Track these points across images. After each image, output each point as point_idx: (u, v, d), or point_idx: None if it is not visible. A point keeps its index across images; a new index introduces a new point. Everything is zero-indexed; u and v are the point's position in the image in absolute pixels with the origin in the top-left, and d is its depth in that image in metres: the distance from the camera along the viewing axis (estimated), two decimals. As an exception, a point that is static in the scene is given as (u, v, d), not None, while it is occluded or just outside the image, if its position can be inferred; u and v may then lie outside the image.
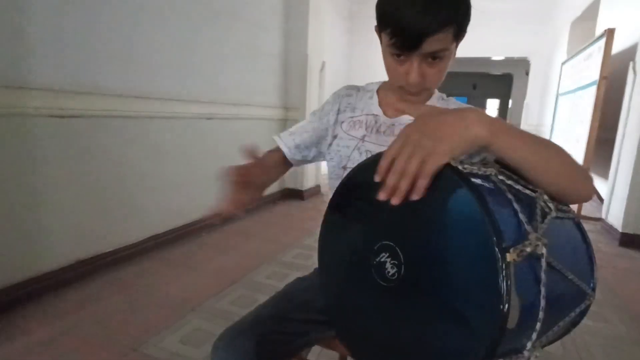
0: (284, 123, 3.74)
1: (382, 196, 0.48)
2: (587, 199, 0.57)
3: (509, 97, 12.31)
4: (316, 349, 0.90)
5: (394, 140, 0.49)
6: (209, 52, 2.66)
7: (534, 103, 8.20)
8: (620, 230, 2.86)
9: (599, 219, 3.39)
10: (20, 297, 1.64)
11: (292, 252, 2.42)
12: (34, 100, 1.62)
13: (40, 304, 1.66)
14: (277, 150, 0.90)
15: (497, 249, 0.40)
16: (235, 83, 3.00)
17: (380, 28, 0.67)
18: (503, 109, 14.50)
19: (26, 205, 1.65)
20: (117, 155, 2.04)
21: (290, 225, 3.00)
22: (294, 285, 0.86)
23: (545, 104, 7.46)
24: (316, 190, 4.13)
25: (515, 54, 8.25)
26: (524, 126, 8.42)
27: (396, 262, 0.51)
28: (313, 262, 2.26)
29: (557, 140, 5.07)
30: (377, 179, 0.49)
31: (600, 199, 3.81)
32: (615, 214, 3.02)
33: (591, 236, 2.42)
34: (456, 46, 0.68)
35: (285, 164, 0.91)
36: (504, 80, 13.38)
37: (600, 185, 4.11)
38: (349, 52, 7.80)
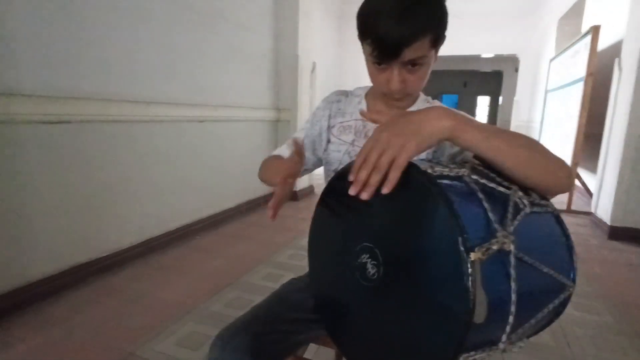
0: (276, 124, 3.75)
1: (351, 191, 0.50)
2: (564, 188, 0.57)
3: (499, 94, 12.43)
4: (312, 347, 0.91)
5: (366, 141, 0.52)
6: (199, 54, 2.66)
7: (523, 100, 8.28)
8: (609, 223, 2.91)
9: (589, 213, 3.44)
10: (12, 306, 1.63)
11: (287, 252, 2.43)
12: (20, 107, 1.61)
13: (33, 311, 1.66)
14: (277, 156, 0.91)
15: (461, 249, 0.42)
16: (227, 85, 3.00)
17: (361, 38, 0.70)
18: (493, 105, 14.62)
19: (15, 213, 1.64)
20: (108, 160, 2.03)
21: (284, 226, 3.01)
22: (289, 285, 0.87)
23: (534, 101, 7.54)
24: (309, 191, 4.14)
25: (505, 51, 8.34)
26: (515, 122, 8.52)
27: (376, 263, 0.53)
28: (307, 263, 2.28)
29: (546, 135, 5.14)
30: (350, 178, 0.51)
31: (590, 193, 3.87)
32: (604, 207, 3.07)
33: (581, 230, 2.46)
34: (436, 52, 0.71)
35: None
36: (494, 77, 13.50)
37: (589, 179, 4.17)
38: (339, 50, 7.81)
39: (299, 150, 0.68)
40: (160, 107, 2.34)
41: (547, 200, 0.59)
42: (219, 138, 2.97)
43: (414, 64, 0.68)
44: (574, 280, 0.56)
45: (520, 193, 0.54)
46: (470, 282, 0.41)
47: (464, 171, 0.51)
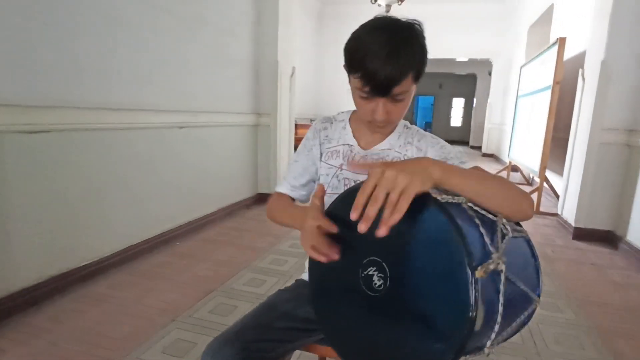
0: (256, 129, 3.78)
1: (361, 228, 0.52)
2: (527, 217, 0.68)
3: (473, 96, 12.79)
4: (295, 352, 0.96)
5: (367, 180, 0.55)
6: (178, 60, 2.67)
7: (496, 103, 8.56)
8: (573, 224, 3.09)
9: (555, 214, 3.64)
10: (-8, 317, 1.61)
11: (268, 258, 2.47)
12: (1, 116, 1.60)
13: (13, 322, 1.64)
14: (284, 196, 0.96)
15: (468, 268, 0.50)
16: (207, 91, 3.02)
17: (349, 71, 0.76)
18: (468, 107, 15.01)
19: (-4, 223, 1.63)
20: (88, 168, 2.02)
21: (265, 231, 3.05)
22: (276, 296, 0.92)
23: (506, 104, 7.80)
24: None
25: (479, 55, 8.61)
26: (488, 125, 8.80)
27: (382, 276, 0.59)
28: (289, 268, 2.33)
29: (517, 139, 5.36)
30: (353, 217, 0.54)
31: (557, 195, 4.08)
32: (569, 209, 3.25)
33: (548, 231, 2.63)
34: (416, 85, 0.78)
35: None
36: (468, 80, 13.87)
37: (556, 181, 4.39)
38: (319, 51, 7.87)
39: (320, 197, 0.69)
40: (140, 113, 2.34)
41: (521, 227, 0.68)
42: (199, 143, 2.98)
43: (398, 97, 0.75)
44: (539, 296, 0.66)
45: (504, 220, 0.62)
46: (474, 297, 0.49)
47: (461, 199, 0.59)
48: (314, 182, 0.96)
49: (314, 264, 0.74)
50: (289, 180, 0.96)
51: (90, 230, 2.06)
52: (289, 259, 2.45)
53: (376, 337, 0.62)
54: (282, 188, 0.97)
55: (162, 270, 2.24)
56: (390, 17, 0.74)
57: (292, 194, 0.95)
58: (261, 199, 3.86)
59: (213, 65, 3.06)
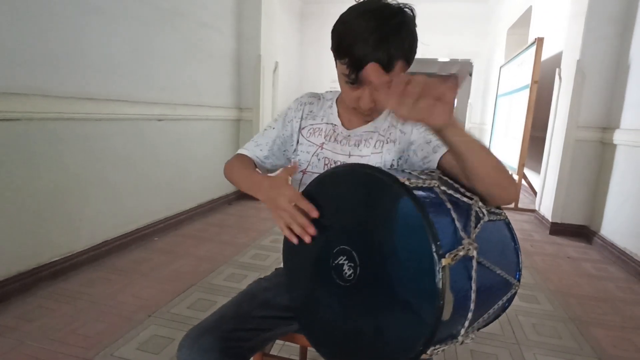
0: (238, 124, 3.72)
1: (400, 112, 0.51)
2: (511, 199, 0.65)
3: (454, 97, 12.96)
4: (278, 343, 0.94)
5: (395, 82, 0.52)
6: (159, 52, 2.59)
7: (476, 103, 8.70)
8: (550, 220, 3.16)
9: (533, 211, 3.71)
10: (-46, 315, 1.52)
11: (249, 253, 2.43)
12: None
13: (-22, 320, 1.56)
14: (247, 158, 0.93)
15: (435, 255, 0.48)
16: (188, 84, 2.95)
17: (336, 56, 0.73)
18: (449, 108, 15.24)
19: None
20: (59, 159, 1.94)
21: (246, 226, 3.00)
22: (256, 285, 0.89)
23: (486, 104, 7.94)
24: (272, 190, 4.14)
25: (459, 56, 8.73)
26: (468, 124, 8.94)
27: (352, 265, 0.57)
28: (271, 263, 2.30)
29: (497, 137, 5.46)
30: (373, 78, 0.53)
31: (534, 192, 4.17)
32: (546, 205, 3.33)
33: (526, 226, 2.67)
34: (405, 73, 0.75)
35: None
36: (449, 80, 14.05)
37: (534, 179, 4.49)
38: (301, 49, 7.83)
39: (291, 173, 0.71)
40: (116, 104, 2.26)
41: (500, 209, 0.66)
42: (179, 137, 2.90)
43: None
44: (519, 280, 0.64)
45: (480, 203, 0.61)
46: (440, 285, 0.47)
47: (434, 182, 0.57)
48: (285, 156, 0.93)
49: (287, 255, 0.71)
50: (257, 142, 0.93)
51: (61, 225, 1.98)
52: (271, 253, 2.41)
53: (349, 327, 0.60)
54: (247, 151, 0.93)
55: (138, 266, 2.17)
56: (380, 1, 0.71)
57: (259, 161, 0.93)
58: (242, 195, 3.80)
59: (193, 57, 3.00)
